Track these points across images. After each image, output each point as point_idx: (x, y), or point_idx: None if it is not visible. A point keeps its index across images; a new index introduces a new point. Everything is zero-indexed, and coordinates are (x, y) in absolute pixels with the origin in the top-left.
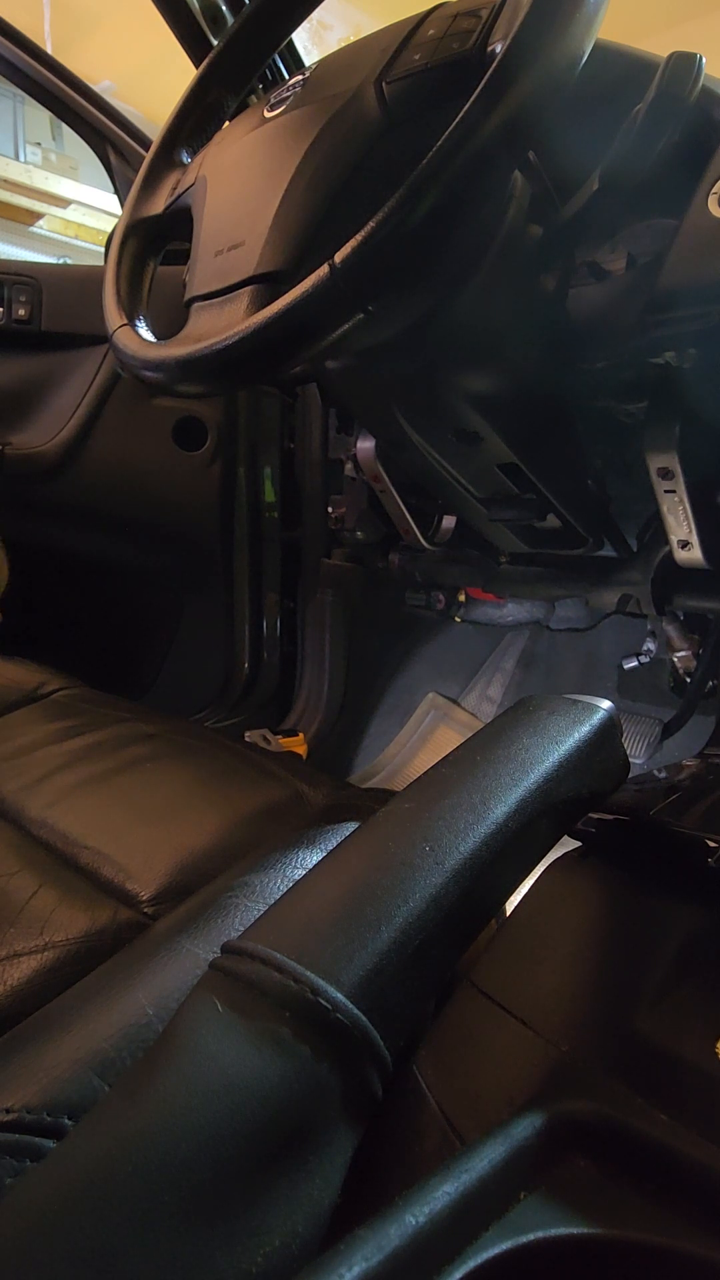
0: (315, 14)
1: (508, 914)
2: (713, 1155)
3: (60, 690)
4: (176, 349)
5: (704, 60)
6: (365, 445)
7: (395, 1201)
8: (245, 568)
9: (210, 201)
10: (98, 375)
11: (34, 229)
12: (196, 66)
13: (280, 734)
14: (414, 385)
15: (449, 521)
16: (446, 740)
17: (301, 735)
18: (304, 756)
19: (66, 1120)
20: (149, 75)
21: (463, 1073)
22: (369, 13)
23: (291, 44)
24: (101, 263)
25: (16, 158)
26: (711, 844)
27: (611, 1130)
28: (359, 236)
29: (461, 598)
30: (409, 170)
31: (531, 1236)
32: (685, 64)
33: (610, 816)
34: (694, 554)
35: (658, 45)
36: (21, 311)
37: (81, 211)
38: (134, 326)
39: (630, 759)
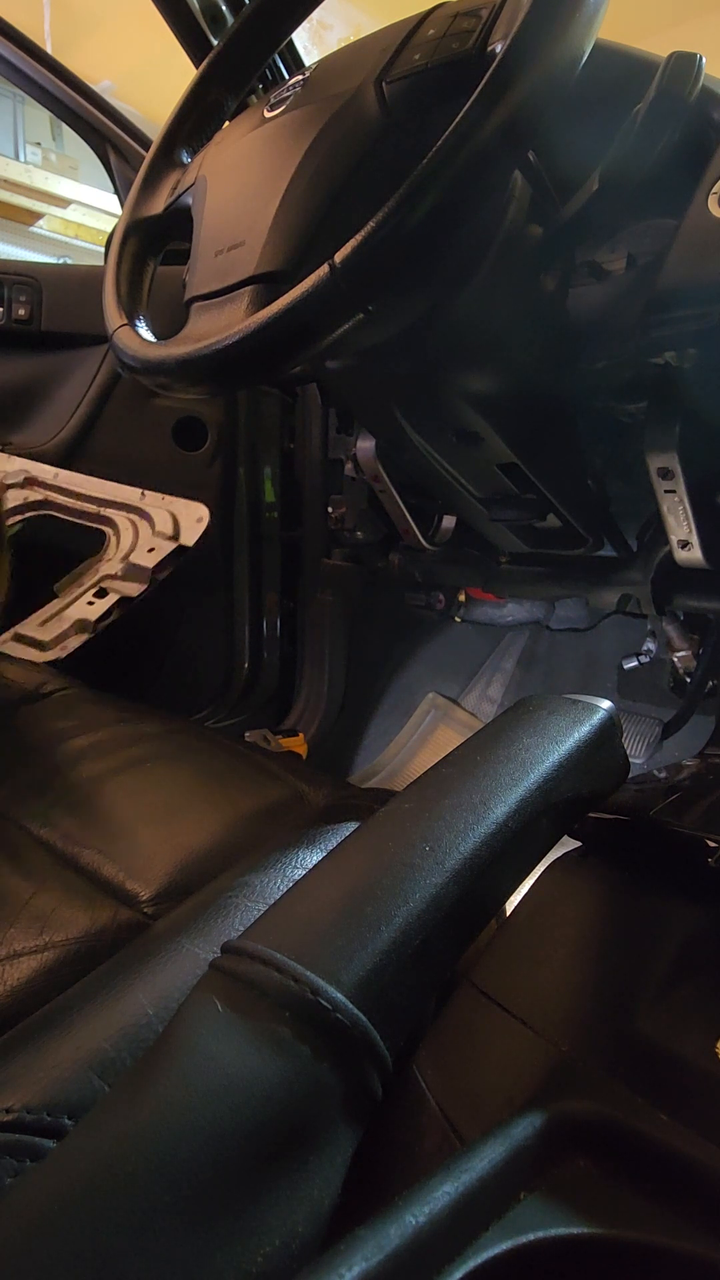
0: (315, 14)
1: (508, 914)
2: (713, 1155)
3: (60, 690)
4: (176, 349)
5: (704, 60)
6: (365, 445)
7: (395, 1201)
8: (245, 568)
9: (210, 201)
10: (98, 375)
11: (34, 229)
12: (196, 66)
13: (280, 734)
14: (414, 385)
15: (449, 521)
16: (446, 740)
17: (301, 735)
18: (304, 756)
19: (66, 1120)
20: (149, 75)
21: (463, 1073)
22: (369, 13)
23: (291, 44)
24: (101, 263)
25: (16, 158)
26: (711, 844)
27: (611, 1130)
28: (359, 236)
29: (461, 598)
30: (409, 170)
31: (531, 1236)
32: (685, 64)
33: (610, 816)
34: (694, 554)
35: (658, 45)
36: (21, 311)
37: (81, 211)
38: (134, 326)
39: (630, 759)
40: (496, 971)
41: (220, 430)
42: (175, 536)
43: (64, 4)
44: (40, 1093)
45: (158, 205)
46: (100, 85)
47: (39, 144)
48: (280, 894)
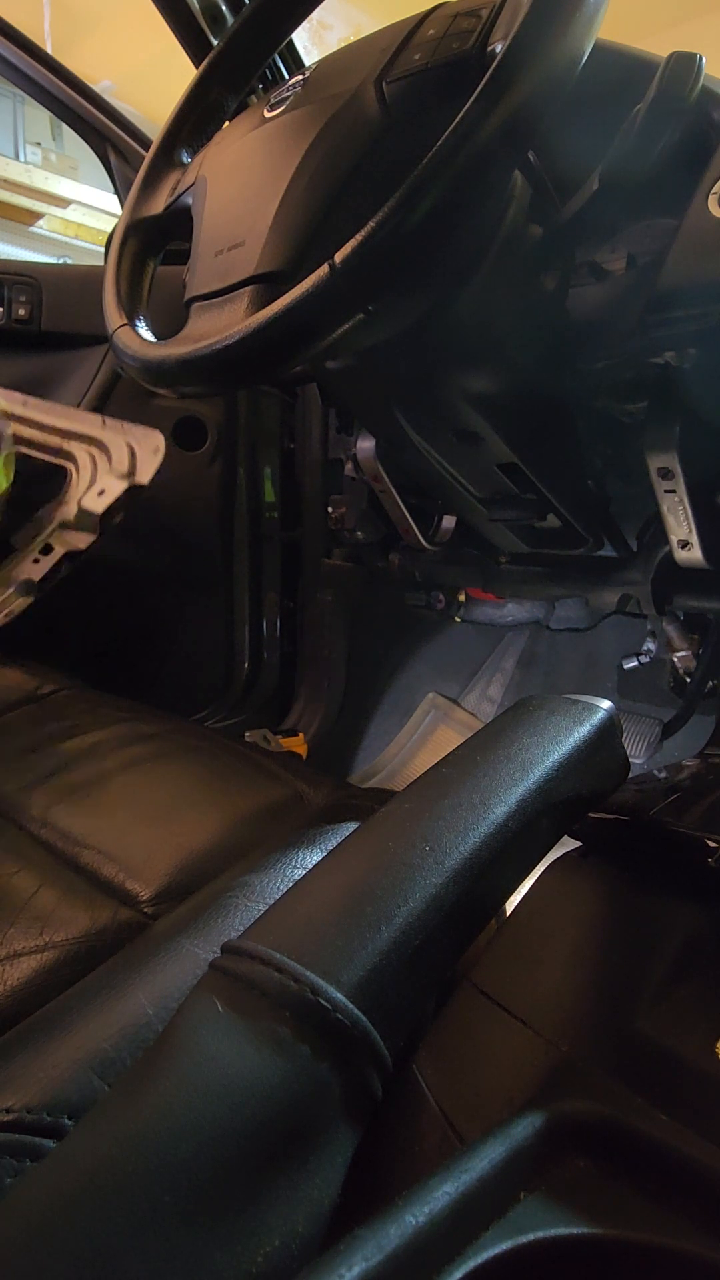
0: (315, 14)
1: (508, 914)
2: (713, 1155)
3: (60, 690)
4: (176, 349)
5: (704, 60)
6: (365, 445)
7: (395, 1201)
8: (245, 568)
9: (210, 201)
10: (98, 375)
11: (34, 229)
12: (196, 66)
13: (280, 734)
14: (414, 385)
15: (449, 521)
16: (446, 740)
17: (301, 735)
18: (304, 756)
19: (66, 1120)
20: (149, 75)
21: (463, 1073)
22: (369, 13)
23: (291, 44)
24: (101, 263)
25: (16, 158)
26: (711, 844)
27: (611, 1130)
28: (359, 236)
29: (461, 598)
30: (409, 170)
31: (531, 1236)
32: (685, 64)
33: (610, 816)
34: (694, 554)
35: (658, 45)
36: (21, 311)
37: (81, 211)
38: (134, 326)
39: (630, 759)
40: (496, 971)
41: (220, 430)
42: (131, 474)
43: (64, 4)
44: (40, 1093)
45: (158, 205)
46: (100, 85)
47: (39, 144)
48: (280, 894)
